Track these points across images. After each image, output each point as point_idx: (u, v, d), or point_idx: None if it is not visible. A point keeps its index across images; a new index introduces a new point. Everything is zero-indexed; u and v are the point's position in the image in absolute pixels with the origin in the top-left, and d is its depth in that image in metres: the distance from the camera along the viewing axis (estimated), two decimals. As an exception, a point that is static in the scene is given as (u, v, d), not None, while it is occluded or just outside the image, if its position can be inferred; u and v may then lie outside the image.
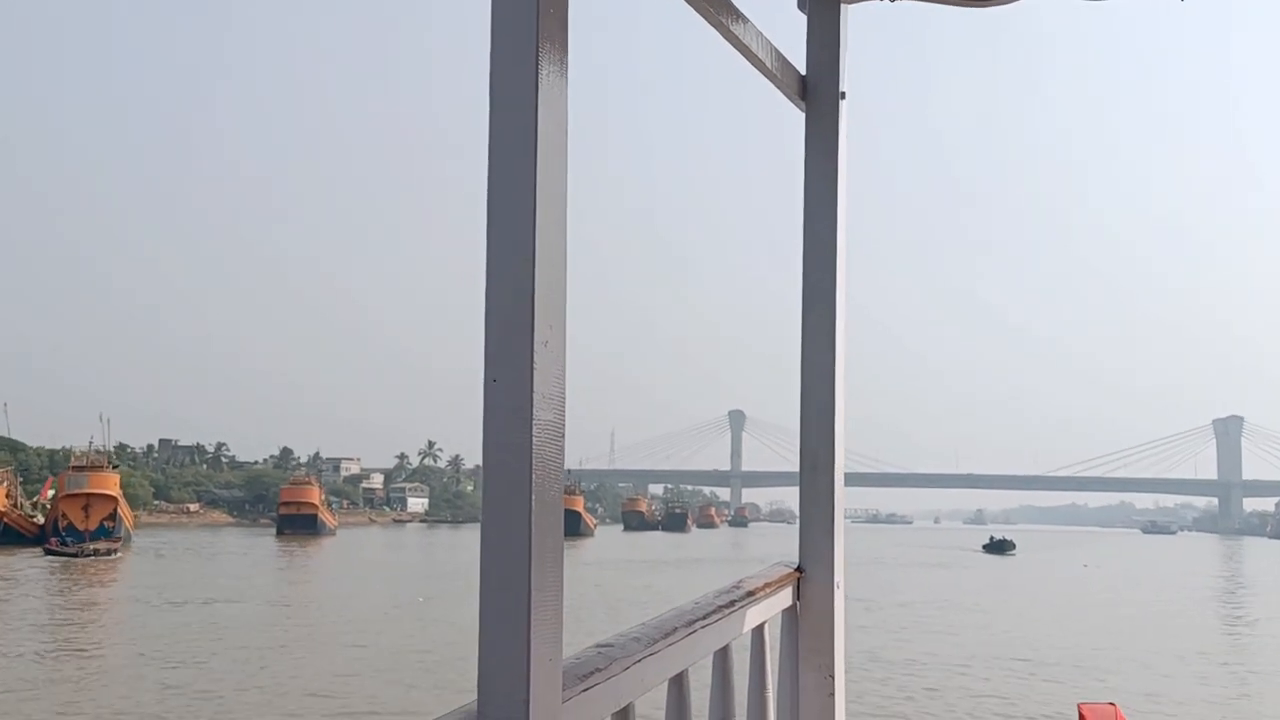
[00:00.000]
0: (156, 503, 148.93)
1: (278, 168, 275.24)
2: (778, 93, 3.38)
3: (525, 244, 1.56)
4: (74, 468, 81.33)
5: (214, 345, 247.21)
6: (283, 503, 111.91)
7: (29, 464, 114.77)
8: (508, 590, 1.54)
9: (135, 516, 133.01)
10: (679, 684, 2.51)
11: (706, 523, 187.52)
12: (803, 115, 3.48)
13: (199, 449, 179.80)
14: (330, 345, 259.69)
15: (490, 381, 1.57)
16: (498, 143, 1.60)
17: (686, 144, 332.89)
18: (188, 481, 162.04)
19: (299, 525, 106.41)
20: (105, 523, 76.45)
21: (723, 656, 2.79)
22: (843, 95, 3.47)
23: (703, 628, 2.55)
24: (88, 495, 77.08)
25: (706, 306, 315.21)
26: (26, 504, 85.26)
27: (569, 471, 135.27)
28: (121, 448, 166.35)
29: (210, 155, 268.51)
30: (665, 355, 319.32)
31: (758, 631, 3.08)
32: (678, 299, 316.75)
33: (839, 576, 3.37)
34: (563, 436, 1.62)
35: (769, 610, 3.11)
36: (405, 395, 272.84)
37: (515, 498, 1.54)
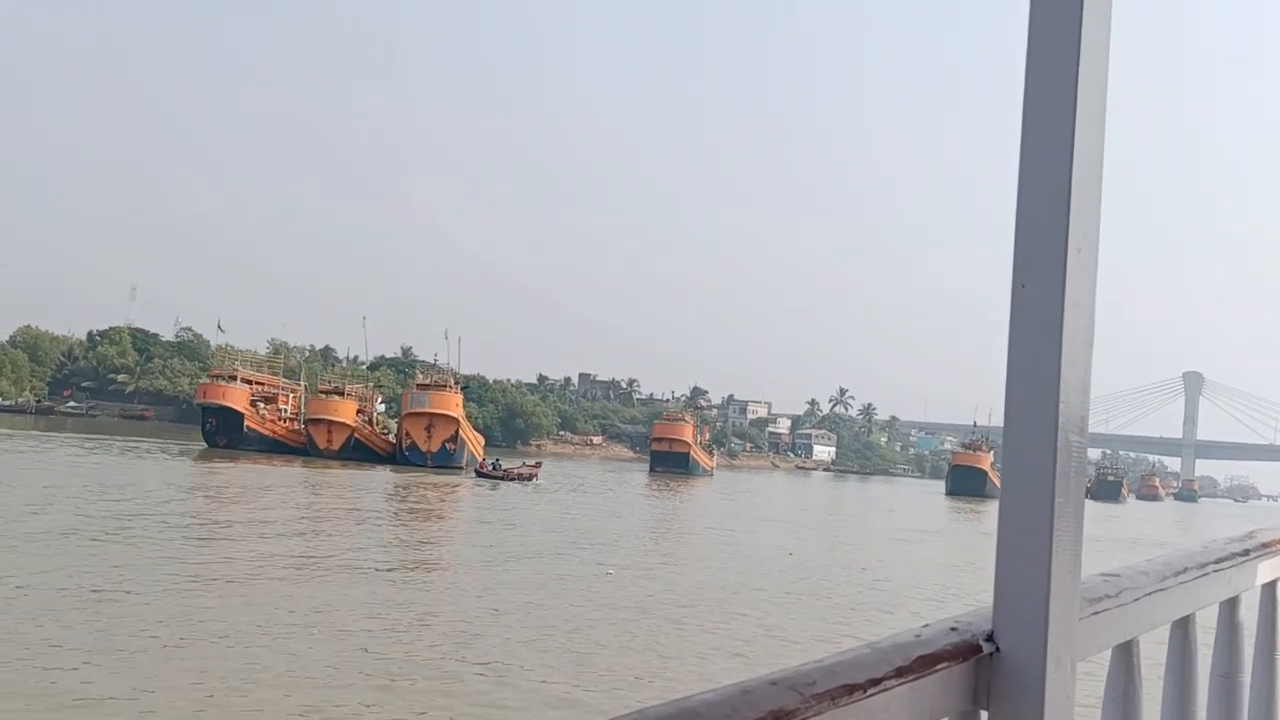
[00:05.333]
0: (561, 433, 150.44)
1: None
2: None
3: (1063, 141, 1.47)
4: (418, 386, 77.34)
5: (632, 283, 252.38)
6: (655, 439, 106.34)
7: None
8: (1032, 491, 1.48)
9: (539, 445, 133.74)
10: (1184, 629, 2.28)
11: (1148, 494, 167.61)
12: None
13: (613, 384, 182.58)
14: (748, 291, 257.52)
15: (1019, 287, 1.50)
16: (1037, 33, 1.49)
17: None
18: (594, 415, 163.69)
19: (670, 463, 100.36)
20: (447, 444, 72.98)
21: (1231, 607, 2.53)
22: None
23: (1214, 571, 2.34)
24: (430, 415, 73.51)
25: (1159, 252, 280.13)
26: (390, 423, 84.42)
27: (974, 426, 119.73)
28: (541, 379, 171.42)
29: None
30: (1108, 305, 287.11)
31: (1269, 588, 2.72)
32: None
33: None
34: (1090, 346, 1.54)
35: None
36: (818, 343, 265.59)
37: (1040, 404, 1.48)
